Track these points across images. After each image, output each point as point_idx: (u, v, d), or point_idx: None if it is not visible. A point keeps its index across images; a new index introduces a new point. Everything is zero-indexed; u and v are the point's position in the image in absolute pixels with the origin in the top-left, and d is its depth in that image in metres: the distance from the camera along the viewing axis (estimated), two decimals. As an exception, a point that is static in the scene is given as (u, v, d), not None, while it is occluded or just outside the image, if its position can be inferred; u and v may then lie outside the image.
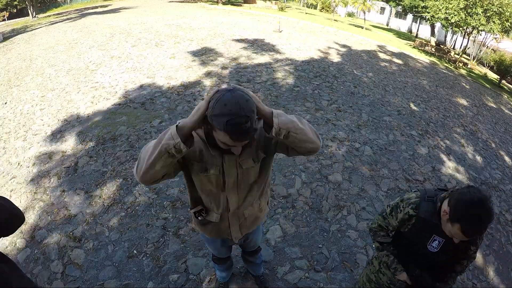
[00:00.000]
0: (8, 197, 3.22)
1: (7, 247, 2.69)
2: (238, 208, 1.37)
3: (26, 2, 19.05)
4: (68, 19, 15.16)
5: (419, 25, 27.41)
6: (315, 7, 32.71)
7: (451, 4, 14.08)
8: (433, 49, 17.32)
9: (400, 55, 12.76)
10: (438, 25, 20.04)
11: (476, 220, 1.13)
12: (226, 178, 1.24)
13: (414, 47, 17.18)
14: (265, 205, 1.52)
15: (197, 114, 1.01)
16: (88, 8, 20.69)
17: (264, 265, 2.46)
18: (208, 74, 6.42)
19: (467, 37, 17.69)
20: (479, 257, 2.99)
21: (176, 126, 1.01)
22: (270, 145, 1.24)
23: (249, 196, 1.36)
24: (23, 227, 2.85)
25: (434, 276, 1.43)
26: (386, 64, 10.09)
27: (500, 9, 13.08)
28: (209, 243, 1.70)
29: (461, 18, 13.84)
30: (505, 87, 15.05)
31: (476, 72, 16.24)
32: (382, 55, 11.50)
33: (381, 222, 1.50)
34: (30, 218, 2.95)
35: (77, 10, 20.82)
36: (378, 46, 13.84)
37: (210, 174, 1.21)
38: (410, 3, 22.01)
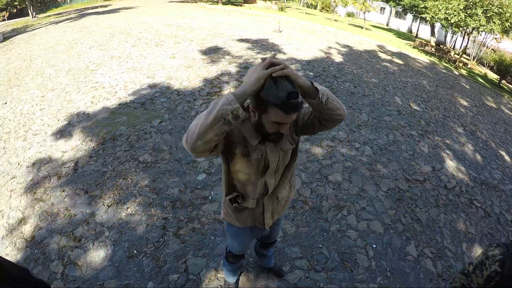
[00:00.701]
0: (8, 197, 3.24)
1: (7, 247, 2.69)
2: (274, 191, 1.43)
3: (26, 2, 19.05)
4: (68, 19, 15.16)
5: (419, 25, 27.43)
6: (315, 7, 32.71)
7: (451, 4, 14.08)
8: (433, 49, 17.32)
9: (400, 55, 12.76)
10: (438, 25, 20.03)
11: None
12: (270, 162, 1.30)
13: (414, 47, 17.19)
14: (293, 185, 1.59)
15: (258, 83, 1.03)
16: (88, 8, 20.69)
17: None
18: (208, 74, 6.42)
19: (467, 37, 17.68)
20: (479, 257, 2.99)
21: (232, 93, 1.04)
22: (297, 127, 1.34)
23: (284, 178, 1.43)
24: (23, 227, 2.85)
25: None
26: (386, 64, 10.09)
27: (500, 9, 13.08)
28: (236, 236, 1.68)
29: (461, 18, 13.84)
30: (505, 87, 15.05)
31: (476, 72, 16.24)
32: (382, 55, 11.50)
33: (464, 281, 1.41)
34: (30, 218, 2.95)
35: (77, 10, 20.82)
36: (378, 46, 13.84)
37: (252, 158, 1.26)
38: (410, 3, 22.02)
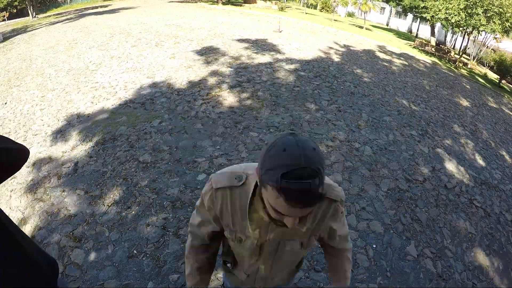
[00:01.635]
0: (8, 197, 3.24)
1: (7, 247, 2.69)
2: (268, 277, 1.17)
3: (26, 2, 19.05)
4: (68, 19, 15.16)
5: (419, 25, 27.43)
6: (315, 7, 32.72)
7: (451, 4, 14.08)
8: (433, 49, 17.32)
9: (400, 55, 12.77)
10: (438, 25, 20.04)
11: None
12: (262, 253, 1.02)
13: (414, 47, 17.19)
14: (297, 270, 1.29)
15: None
16: (88, 8, 20.69)
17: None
18: (208, 74, 6.42)
19: (467, 37, 17.68)
20: (479, 257, 2.99)
21: None
22: (320, 228, 1.01)
23: (284, 272, 1.18)
24: (23, 227, 2.85)
25: None
26: (386, 64, 10.09)
27: (500, 9, 13.08)
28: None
29: (461, 18, 13.85)
30: (505, 87, 15.05)
31: (476, 72, 16.24)
32: (382, 55, 11.51)
33: None
34: (30, 218, 2.95)
35: (77, 10, 20.83)
36: (378, 46, 13.84)
37: (245, 245, 1.01)
38: (410, 3, 22.02)
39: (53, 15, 19.29)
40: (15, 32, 12.89)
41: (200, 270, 1.13)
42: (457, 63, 15.06)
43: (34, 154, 3.95)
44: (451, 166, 4.46)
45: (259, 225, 0.93)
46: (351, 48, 11.37)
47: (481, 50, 19.61)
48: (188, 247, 1.12)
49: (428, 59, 14.05)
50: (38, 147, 4.09)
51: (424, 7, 17.12)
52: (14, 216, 3.00)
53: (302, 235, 0.97)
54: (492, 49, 19.36)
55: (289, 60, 7.91)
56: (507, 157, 5.47)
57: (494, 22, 13.38)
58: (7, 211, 3.08)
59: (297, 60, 8.02)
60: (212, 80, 6.09)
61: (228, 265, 1.17)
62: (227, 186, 0.92)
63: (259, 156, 0.75)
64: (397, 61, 11.11)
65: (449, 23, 14.87)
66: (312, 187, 0.65)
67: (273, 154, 0.69)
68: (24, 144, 4.18)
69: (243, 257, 1.08)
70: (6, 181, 3.47)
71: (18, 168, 0.93)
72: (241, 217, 0.94)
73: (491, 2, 13.24)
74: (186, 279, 1.15)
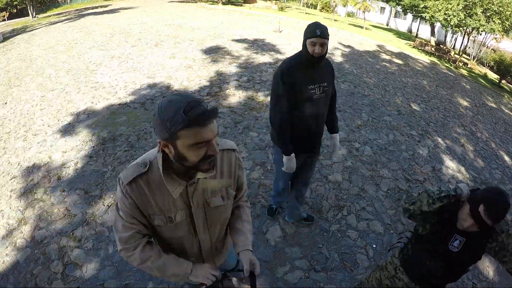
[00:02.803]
0: (8, 197, 3.24)
1: (7, 247, 2.69)
2: (211, 247, 1.23)
3: (26, 2, 19.04)
4: (68, 19, 15.16)
5: (419, 25, 27.43)
6: (315, 7, 32.72)
7: (450, 4, 14.07)
8: (433, 49, 17.31)
9: (400, 55, 12.77)
10: (438, 25, 20.03)
11: (498, 199, 1.21)
12: (196, 223, 1.09)
13: (414, 47, 17.18)
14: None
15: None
16: (88, 8, 20.69)
17: (264, 265, 2.46)
18: (208, 74, 6.42)
19: (467, 37, 17.69)
20: (479, 257, 2.99)
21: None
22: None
23: (221, 232, 1.24)
24: (23, 227, 2.85)
25: (452, 275, 1.43)
26: (386, 64, 10.09)
27: (500, 8, 13.07)
28: None
29: (460, 18, 13.83)
30: (505, 87, 15.05)
31: (476, 72, 16.24)
32: (382, 55, 11.51)
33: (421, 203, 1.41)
34: (30, 218, 2.95)
35: (77, 10, 20.82)
36: (378, 46, 13.84)
37: (177, 221, 1.05)
38: (410, 3, 22.01)
39: (53, 15, 19.29)
40: (15, 32, 12.88)
41: (165, 255, 1.10)
42: (457, 63, 15.06)
43: (34, 154, 3.95)
44: (451, 166, 4.46)
45: (180, 195, 1.01)
46: (351, 48, 11.37)
47: (481, 50, 19.62)
48: (132, 255, 1.05)
49: (428, 59, 14.05)
50: (38, 147, 4.09)
51: (424, 6, 17.12)
52: (14, 216, 3.00)
53: (220, 191, 1.09)
54: (492, 49, 19.37)
55: (289, 60, 7.90)
56: (507, 157, 5.47)
57: (493, 21, 13.37)
58: (7, 211, 3.08)
59: (297, 60, 8.00)
60: (212, 80, 6.09)
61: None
62: (136, 175, 0.97)
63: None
64: (397, 61, 11.11)
65: (448, 23, 14.86)
66: (206, 107, 0.85)
67: (163, 111, 0.84)
68: (24, 144, 4.18)
69: (181, 239, 1.12)
70: (6, 181, 3.48)
71: None
72: (162, 195, 0.99)
73: (490, 1, 13.23)
74: (169, 278, 1.09)
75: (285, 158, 2.09)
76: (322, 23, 1.87)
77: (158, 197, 0.99)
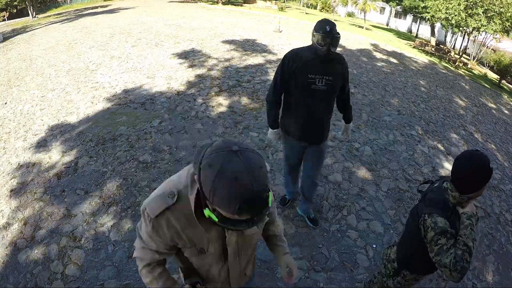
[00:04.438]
0: (8, 197, 3.24)
1: (7, 247, 2.69)
2: (240, 272, 1.19)
3: (26, 2, 19.04)
4: (68, 19, 15.16)
5: (419, 25, 27.44)
6: (315, 7, 32.72)
7: (451, 4, 14.06)
8: (433, 49, 17.32)
9: (400, 55, 12.77)
10: (438, 25, 20.04)
11: (475, 159, 1.28)
12: (228, 249, 1.03)
13: (414, 47, 17.19)
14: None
15: None
16: (88, 8, 20.69)
17: (264, 265, 2.46)
18: (209, 74, 6.42)
19: (467, 37, 17.68)
20: (479, 257, 2.99)
21: None
22: None
23: (252, 256, 1.23)
24: (23, 227, 2.85)
25: None
26: (386, 64, 10.09)
27: (501, 8, 13.06)
28: None
29: (461, 18, 13.82)
30: (505, 87, 15.05)
31: (476, 72, 16.24)
32: (382, 55, 11.50)
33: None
34: (30, 218, 2.95)
35: (77, 10, 20.83)
36: (378, 46, 13.84)
37: (210, 253, 1.01)
38: (410, 4, 22.02)
39: (53, 15, 19.28)
40: (15, 32, 12.88)
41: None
42: (457, 63, 15.06)
43: (34, 154, 3.95)
44: (451, 166, 4.46)
45: (213, 229, 0.93)
46: (351, 48, 11.37)
47: (481, 50, 19.62)
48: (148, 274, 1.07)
49: (428, 59, 14.05)
50: (38, 147, 4.09)
51: (424, 7, 17.12)
52: (14, 216, 3.00)
53: None
54: (492, 49, 19.37)
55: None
56: (506, 157, 5.47)
57: (494, 22, 13.36)
58: (7, 211, 3.08)
59: (297, 60, 8.00)
60: (212, 80, 6.08)
61: (198, 285, 1.12)
62: (164, 208, 0.88)
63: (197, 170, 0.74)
64: (397, 61, 11.11)
65: (449, 23, 14.86)
66: (265, 208, 0.72)
67: (224, 184, 0.67)
68: (24, 144, 4.18)
69: (210, 267, 1.07)
70: (6, 181, 3.48)
71: None
72: (193, 228, 0.91)
73: (491, 1, 13.22)
74: None
75: (269, 131, 2.37)
76: (332, 21, 1.95)
77: (188, 230, 0.92)
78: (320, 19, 1.99)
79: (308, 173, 2.54)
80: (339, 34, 1.92)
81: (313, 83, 2.03)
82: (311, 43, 2.01)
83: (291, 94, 2.14)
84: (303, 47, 2.10)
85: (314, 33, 1.94)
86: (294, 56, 2.05)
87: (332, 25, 1.90)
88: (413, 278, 1.63)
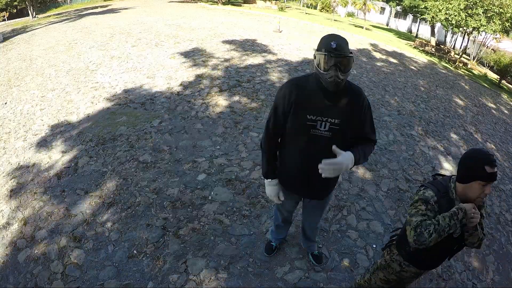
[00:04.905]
0: (8, 197, 3.24)
1: (7, 247, 2.69)
2: None
3: (26, 2, 19.03)
4: (68, 19, 15.16)
5: (419, 25, 27.44)
6: (315, 7, 32.71)
7: (451, 4, 14.07)
8: (433, 49, 17.31)
9: (400, 55, 12.77)
10: (438, 25, 20.03)
11: (485, 155, 1.33)
12: None
13: (414, 47, 17.18)
14: None
15: None
16: (88, 8, 20.69)
17: (264, 265, 2.46)
18: (208, 74, 6.42)
19: (467, 37, 17.68)
20: (479, 257, 2.99)
21: None
22: None
23: None
24: (23, 227, 2.85)
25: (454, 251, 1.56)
26: (386, 64, 10.09)
27: (500, 9, 13.07)
28: None
29: (461, 18, 13.83)
30: (505, 87, 15.05)
31: (476, 72, 16.24)
32: (381, 55, 11.50)
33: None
34: (30, 218, 2.95)
35: (77, 10, 20.82)
36: (378, 46, 13.84)
37: None
38: (410, 4, 22.01)
39: (53, 15, 19.27)
40: (15, 32, 12.88)
41: None
42: (457, 63, 15.05)
43: (34, 154, 3.95)
44: (451, 166, 4.46)
45: None
46: (351, 48, 11.35)
47: (481, 50, 19.61)
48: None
49: (428, 59, 14.05)
50: (38, 147, 4.09)
51: (425, 7, 17.12)
52: (14, 216, 3.00)
53: None
54: (492, 49, 19.37)
55: (290, 60, 7.91)
56: (506, 157, 5.47)
57: (494, 22, 13.37)
58: (7, 211, 3.08)
59: (297, 60, 8.02)
60: (212, 80, 6.08)
61: None
62: None
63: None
64: (397, 61, 11.11)
65: (449, 23, 14.86)
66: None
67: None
68: (24, 144, 4.18)
69: None
70: (6, 181, 3.48)
71: None
72: None
73: (491, 2, 13.23)
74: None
75: (265, 182, 1.82)
76: (342, 36, 1.44)
77: None
78: (325, 34, 1.47)
79: (309, 221, 2.22)
80: (351, 52, 1.39)
81: (313, 126, 1.51)
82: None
83: (284, 136, 1.66)
84: (306, 75, 1.58)
85: (316, 53, 1.43)
86: (292, 88, 1.53)
87: (340, 40, 1.38)
88: (403, 264, 1.66)
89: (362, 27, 20.25)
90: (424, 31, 26.50)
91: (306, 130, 1.52)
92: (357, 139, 1.60)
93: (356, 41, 13.64)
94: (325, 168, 1.43)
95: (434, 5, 15.13)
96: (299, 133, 1.56)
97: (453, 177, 1.49)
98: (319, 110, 1.48)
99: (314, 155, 1.54)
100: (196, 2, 22.50)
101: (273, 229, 2.44)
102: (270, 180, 1.76)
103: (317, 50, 1.43)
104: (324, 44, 1.40)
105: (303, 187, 1.76)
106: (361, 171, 3.81)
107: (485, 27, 13.62)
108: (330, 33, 1.50)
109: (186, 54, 7.80)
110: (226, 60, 7.47)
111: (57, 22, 14.35)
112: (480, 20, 13.47)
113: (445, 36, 26.05)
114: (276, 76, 6.57)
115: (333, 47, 1.35)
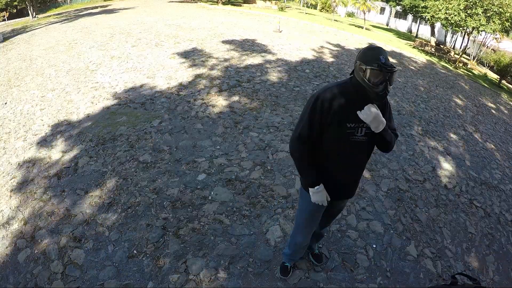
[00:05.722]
0: (8, 197, 3.24)
1: (7, 247, 2.69)
2: None
3: (26, 3, 19.03)
4: (68, 19, 15.16)
5: (419, 25, 27.44)
6: (315, 7, 32.72)
7: (451, 4, 14.08)
8: (433, 49, 17.31)
9: (400, 55, 12.77)
10: (438, 25, 20.04)
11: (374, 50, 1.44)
12: None
13: (414, 47, 17.19)
14: None
15: None
16: (88, 8, 20.69)
17: (264, 265, 2.46)
18: (209, 74, 6.42)
19: (467, 37, 17.68)
20: (479, 257, 2.99)
21: None
22: None
23: None
24: (23, 227, 2.85)
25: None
26: (386, 64, 10.07)
27: (500, 9, 13.08)
28: None
29: (461, 18, 13.84)
30: (505, 87, 15.05)
31: (476, 72, 16.24)
32: (382, 55, 11.48)
33: None
34: (30, 218, 2.95)
35: (77, 10, 20.82)
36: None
37: None
38: (410, 3, 22.02)
39: (53, 15, 19.27)
40: (15, 32, 12.88)
41: None
42: (457, 63, 15.06)
43: (34, 154, 3.95)
44: (451, 166, 4.46)
45: None
46: (351, 48, 11.37)
47: (481, 50, 19.62)
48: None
49: (428, 59, 14.05)
50: (38, 147, 4.09)
51: (424, 7, 17.12)
52: (14, 216, 3.00)
53: None
54: (492, 49, 19.37)
55: (289, 60, 7.91)
56: (506, 157, 5.47)
57: (494, 22, 13.37)
58: (7, 211, 3.08)
59: (297, 60, 8.02)
60: (212, 80, 6.08)
61: None
62: None
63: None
64: (396, 61, 11.12)
65: (449, 23, 14.87)
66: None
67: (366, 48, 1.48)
68: (24, 144, 4.18)
69: None
70: (6, 181, 3.48)
71: None
72: None
73: (491, 1, 13.24)
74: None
75: (310, 191, 1.72)
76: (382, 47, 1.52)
77: None
78: (367, 46, 1.51)
79: (329, 221, 2.17)
80: (395, 66, 1.46)
81: (352, 133, 1.57)
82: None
83: (322, 146, 1.66)
84: (340, 83, 1.60)
85: (362, 66, 1.46)
86: (331, 98, 1.54)
87: (386, 54, 1.46)
88: None
89: (362, 27, 20.25)
90: (424, 31, 26.51)
91: (347, 138, 1.58)
92: None
93: (356, 41, 13.64)
94: (369, 112, 1.50)
95: (434, 5, 15.14)
96: (341, 141, 1.60)
97: None
98: (357, 117, 1.53)
99: (355, 160, 1.68)
100: (196, 2, 22.50)
101: (288, 252, 2.24)
102: (317, 187, 1.71)
103: (364, 62, 1.46)
104: (372, 57, 1.45)
105: (339, 191, 1.78)
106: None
107: (484, 27, 13.62)
108: (372, 44, 1.58)
109: (186, 54, 7.80)
110: (226, 60, 7.47)
111: (57, 22, 14.34)
112: (479, 20, 13.47)
113: (445, 36, 26.05)
114: (276, 76, 6.57)
115: (383, 62, 1.42)
